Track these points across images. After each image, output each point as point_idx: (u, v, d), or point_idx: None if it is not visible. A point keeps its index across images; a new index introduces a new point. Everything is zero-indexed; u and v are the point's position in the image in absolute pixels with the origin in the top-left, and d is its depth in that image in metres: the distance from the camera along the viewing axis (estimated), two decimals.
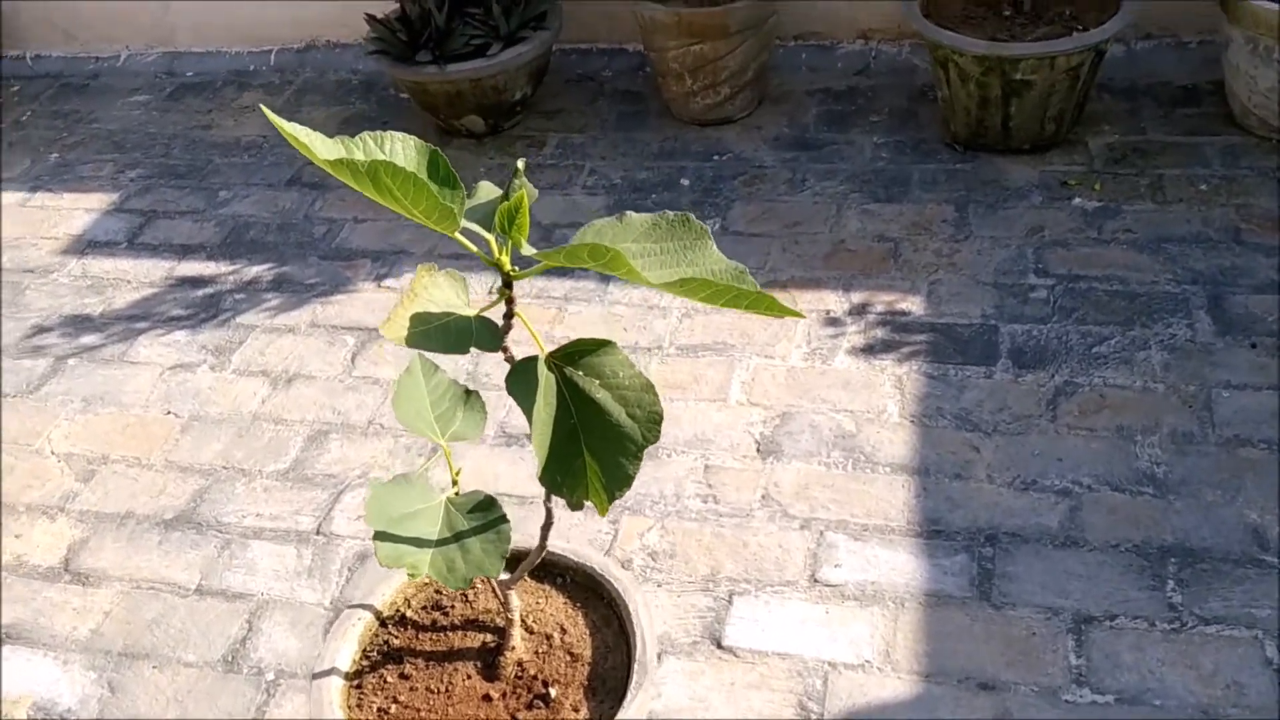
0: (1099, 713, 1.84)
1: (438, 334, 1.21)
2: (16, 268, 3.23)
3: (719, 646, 2.02)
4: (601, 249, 1.08)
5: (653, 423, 1.20)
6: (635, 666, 1.53)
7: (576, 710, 1.53)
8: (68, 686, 2.09)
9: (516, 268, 1.29)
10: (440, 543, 1.42)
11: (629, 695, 1.49)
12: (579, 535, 2.24)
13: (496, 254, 1.23)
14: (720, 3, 3.19)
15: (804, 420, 2.43)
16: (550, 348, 1.27)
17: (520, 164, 1.27)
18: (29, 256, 3.26)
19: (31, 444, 2.63)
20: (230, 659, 2.10)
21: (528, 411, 1.20)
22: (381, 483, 1.45)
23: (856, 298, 2.72)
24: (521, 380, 1.21)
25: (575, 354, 1.22)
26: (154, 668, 2.10)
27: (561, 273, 2.93)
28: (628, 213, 1.21)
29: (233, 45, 4.07)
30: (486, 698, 1.56)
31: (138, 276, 3.13)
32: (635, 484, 2.33)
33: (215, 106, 3.90)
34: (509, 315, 1.29)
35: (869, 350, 2.57)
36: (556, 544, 1.66)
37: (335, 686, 1.56)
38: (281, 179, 3.45)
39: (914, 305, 2.67)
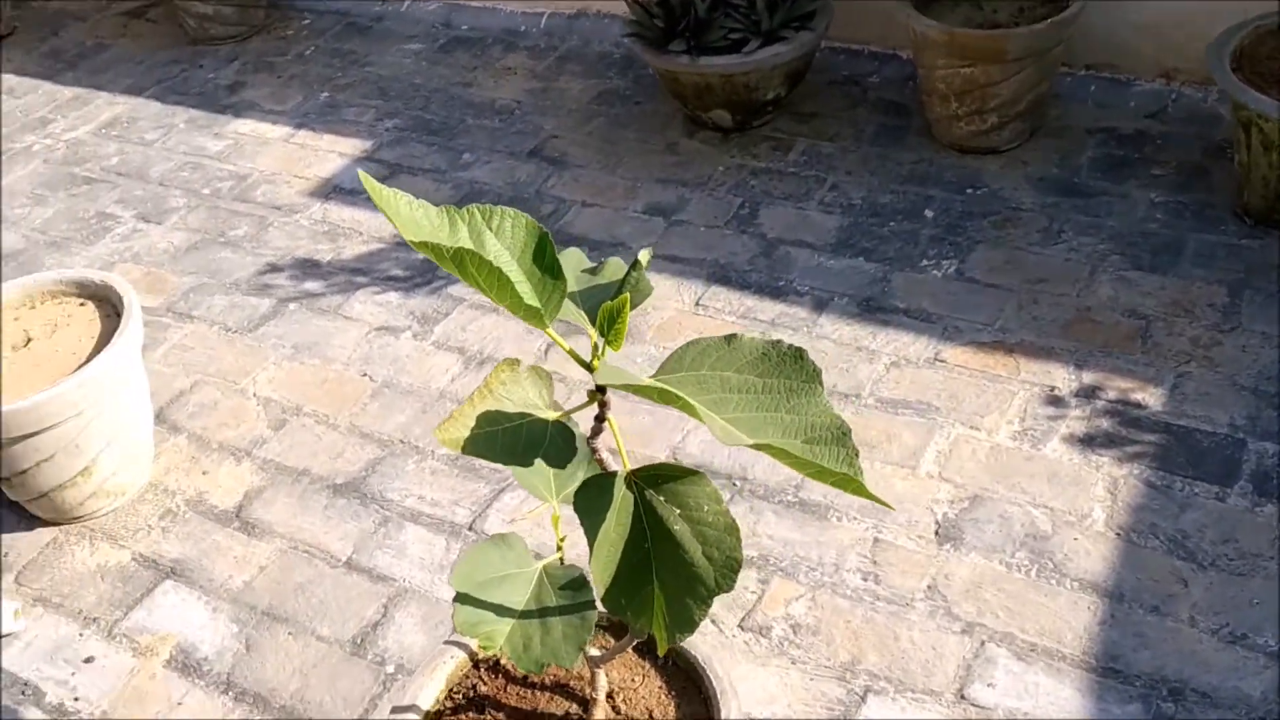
0: None
1: (505, 439, 1.11)
2: (267, 203, 3.38)
3: None
4: (672, 395, 0.95)
5: (730, 569, 1.06)
6: None
7: None
8: (210, 635, 2.16)
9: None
10: (524, 614, 1.34)
11: None
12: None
13: (591, 355, 1.12)
14: (1004, 25, 2.92)
15: (995, 508, 2.20)
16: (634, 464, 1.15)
17: (644, 256, 1.15)
18: (279, 194, 3.40)
19: (238, 383, 2.74)
20: (359, 642, 2.11)
21: (591, 531, 1.09)
22: (480, 543, 1.38)
23: (1088, 378, 2.44)
24: (593, 496, 1.10)
25: (659, 477, 1.10)
26: (289, 634, 2.15)
27: (773, 294, 2.78)
28: (739, 336, 1.08)
29: (509, 3, 4.10)
30: None
31: (369, 230, 3.20)
32: (796, 543, 2.20)
33: (480, 64, 3.94)
34: (600, 419, 1.17)
35: (1088, 442, 2.30)
36: None
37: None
38: (524, 149, 3.45)
39: (1152, 398, 2.37)
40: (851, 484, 0.96)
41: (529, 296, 1.07)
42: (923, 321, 2.64)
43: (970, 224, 2.91)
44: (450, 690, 1.59)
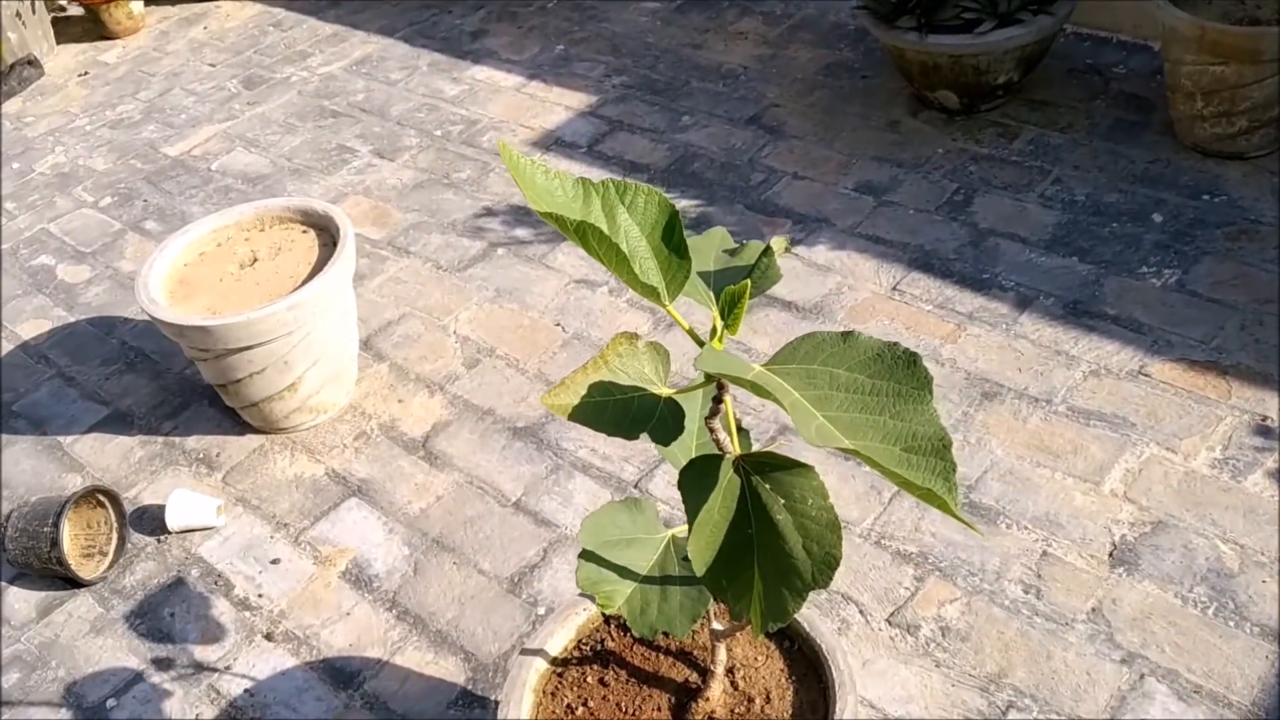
0: None
1: (614, 410, 1.13)
2: (492, 149, 3.50)
3: None
4: (764, 390, 0.95)
5: (827, 566, 1.05)
6: None
7: None
8: (383, 554, 2.29)
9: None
10: (646, 579, 1.37)
11: None
12: (872, 583, 2.09)
13: (711, 338, 1.12)
14: (1264, 22, 2.70)
15: (1179, 537, 2.07)
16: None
17: (778, 242, 1.14)
18: (505, 141, 3.52)
19: (441, 320, 2.87)
20: (516, 581, 2.20)
21: (691, 510, 1.10)
22: (611, 504, 1.41)
23: None
24: (698, 477, 1.11)
25: (767, 465, 1.09)
26: (454, 563, 2.25)
27: (975, 285, 2.69)
28: (855, 333, 1.05)
29: None
30: None
31: None
32: (959, 545, 2.14)
33: (713, 27, 3.94)
34: (718, 400, 1.17)
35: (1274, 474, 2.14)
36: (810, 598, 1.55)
37: (538, 667, 1.58)
38: (743, 116, 3.44)
39: None
40: (937, 500, 0.93)
41: (650, 274, 1.08)
42: (1132, 331, 2.50)
43: (1201, 233, 2.72)
44: (579, 640, 1.64)
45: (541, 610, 2.13)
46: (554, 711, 1.56)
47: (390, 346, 2.81)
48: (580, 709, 1.55)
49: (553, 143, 3.48)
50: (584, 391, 1.12)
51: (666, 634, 1.59)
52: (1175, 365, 2.41)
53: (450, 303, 2.92)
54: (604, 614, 1.66)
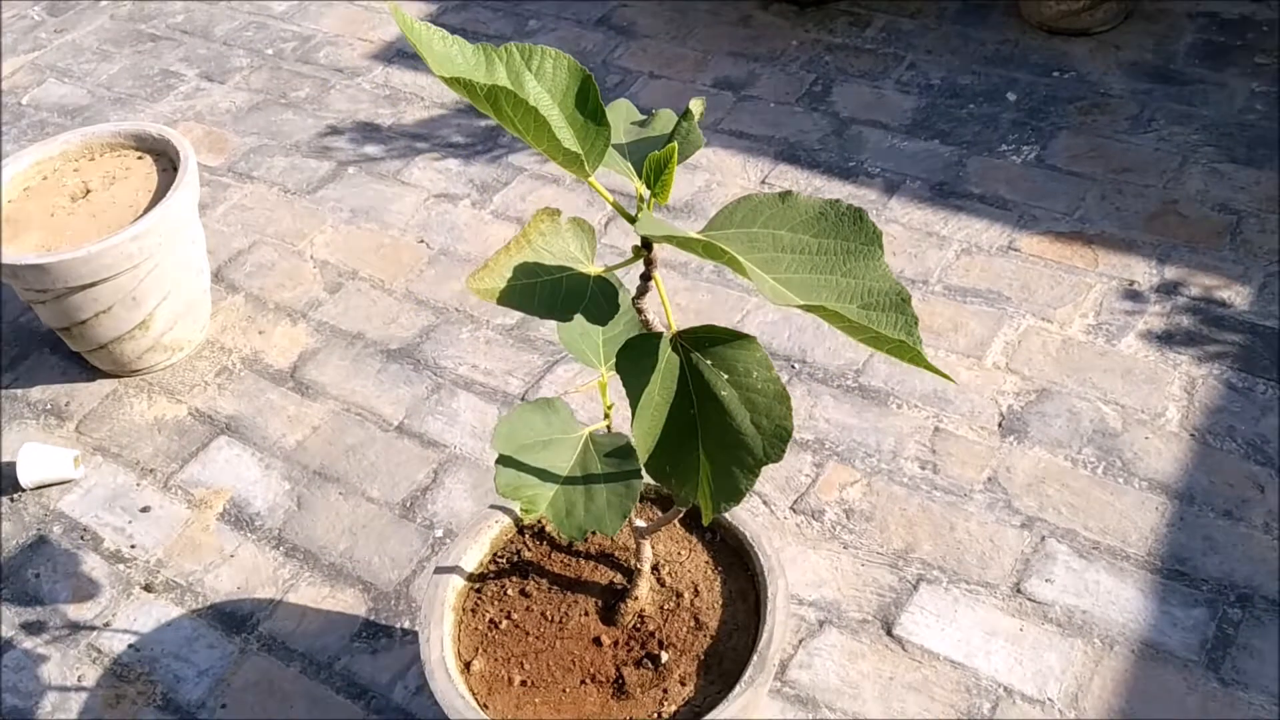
0: None
1: (543, 291, 1.05)
2: (329, 65, 3.31)
3: (888, 633, 1.83)
4: (718, 249, 0.89)
5: (779, 438, 1.01)
6: (755, 658, 1.38)
7: (684, 683, 1.41)
8: (262, 491, 2.17)
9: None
10: (568, 480, 1.31)
11: (738, 688, 1.35)
12: (772, 473, 2.08)
13: (638, 210, 1.05)
14: None
15: (1064, 403, 2.12)
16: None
17: (695, 105, 1.08)
18: (342, 56, 3.34)
19: (295, 245, 2.72)
20: (408, 505, 2.11)
21: (633, 393, 1.04)
22: (523, 405, 1.34)
23: (1171, 273, 2.33)
24: (636, 357, 1.05)
25: (706, 340, 1.04)
26: (340, 494, 2.15)
27: (842, 174, 2.68)
28: (794, 194, 1.00)
29: None
30: (597, 641, 1.46)
31: (431, 95, 3.13)
32: (853, 429, 2.14)
33: None
34: (645, 278, 1.11)
35: (1166, 339, 2.21)
36: None
37: (455, 585, 1.51)
38: (591, 17, 3.34)
39: (1238, 297, 2.26)
40: (909, 352, 0.89)
41: (569, 142, 1.01)
42: (998, 208, 2.54)
43: (1054, 109, 2.77)
44: (494, 554, 1.58)
45: (439, 533, 2.06)
46: (477, 628, 1.49)
47: (243, 276, 2.65)
48: (504, 622, 1.49)
49: (394, 55, 3.32)
50: (509, 274, 1.04)
51: (591, 535, 1.54)
52: (1042, 238, 2.45)
53: (303, 227, 2.76)
54: (518, 525, 1.59)
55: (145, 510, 2.17)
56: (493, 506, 1.59)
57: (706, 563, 1.53)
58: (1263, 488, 1.95)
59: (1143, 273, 2.35)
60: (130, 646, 1.95)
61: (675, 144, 1.01)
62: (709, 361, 1.03)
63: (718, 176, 2.73)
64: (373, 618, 1.94)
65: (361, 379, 2.36)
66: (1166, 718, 1.68)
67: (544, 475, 1.31)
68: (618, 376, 1.34)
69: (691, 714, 1.38)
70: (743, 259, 0.91)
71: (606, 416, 1.40)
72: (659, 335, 1.06)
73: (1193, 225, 2.43)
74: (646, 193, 1.05)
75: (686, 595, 1.49)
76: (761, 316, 2.37)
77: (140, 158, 2.41)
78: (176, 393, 2.39)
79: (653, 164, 1.02)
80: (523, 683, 1.43)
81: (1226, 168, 2.54)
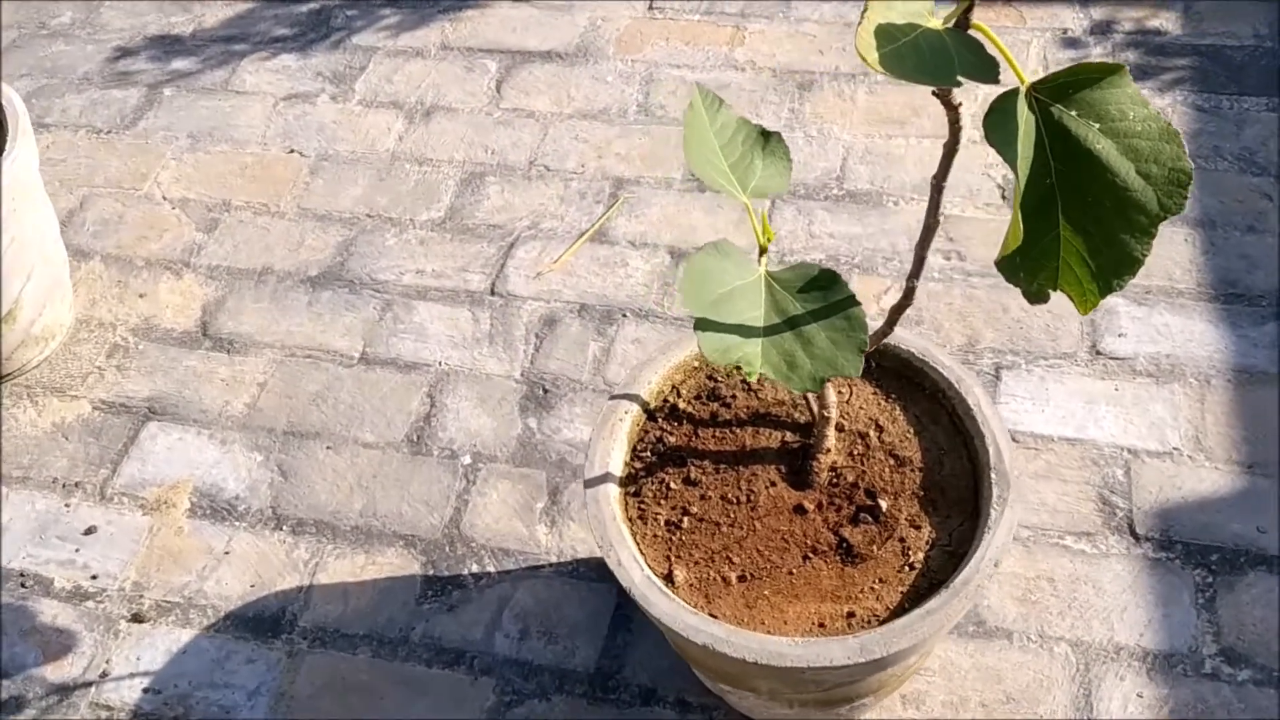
0: None
1: (910, 54, 0.84)
2: None
3: None
4: None
5: (1176, 185, 0.84)
6: (992, 474, 1.23)
7: (916, 525, 1.25)
8: (231, 470, 1.82)
9: None
10: (769, 330, 1.09)
11: (993, 511, 1.20)
12: None
13: None
14: None
15: None
16: (1028, 78, 0.88)
17: None
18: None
19: (139, 188, 2.28)
20: (416, 439, 1.82)
21: (1014, 166, 0.85)
22: (698, 254, 1.11)
23: (1098, 13, 2.28)
24: (1002, 123, 0.85)
25: (1069, 86, 0.85)
26: (328, 448, 1.83)
27: None
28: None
29: None
30: (799, 510, 1.27)
31: None
32: (861, 237, 2.00)
33: None
34: (963, 28, 0.90)
35: None
36: None
37: (612, 495, 1.28)
38: None
39: (1169, 23, 2.24)
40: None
41: None
42: None
43: None
44: (634, 449, 1.35)
45: (467, 459, 1.79)
46: (655, 535, 1.27)
47: (89, 238, 2.20)
48: (685, 520, 1.28)
49: None
50: (874, 41, 0.81)
51: (733, 399, 1.34)
52: None
53: (138, 166, 2.32)
54: (646, 410, 1.37)
55: (90, 531, 1.78)
56: (614, 397, 1.35)
57: (874, 394, 1.36)
58: (1270, 196, 1.95)
59: (1072, 19, 2.28)
60: (148, 691, 1.60)
61: None
62: (1074, 112, 0.84)
63: (599, 12, 2.47)
64: (431, 572, 1.67)
65: (293, 317, 2.02)
66: None
67: (744, 331, 1.09)
68: (755, 201, 1.14)
69: (946, 556, 1.22)
70: None
71: (763, 250, 1.18)
72: (1014, 92, 0.85)
73: None
74: None
75: (871, 434, 1.32)
76: None
77: None
78: (67, 389, 1.97)
79: None
80: (740, 578, 1.23)
81: None
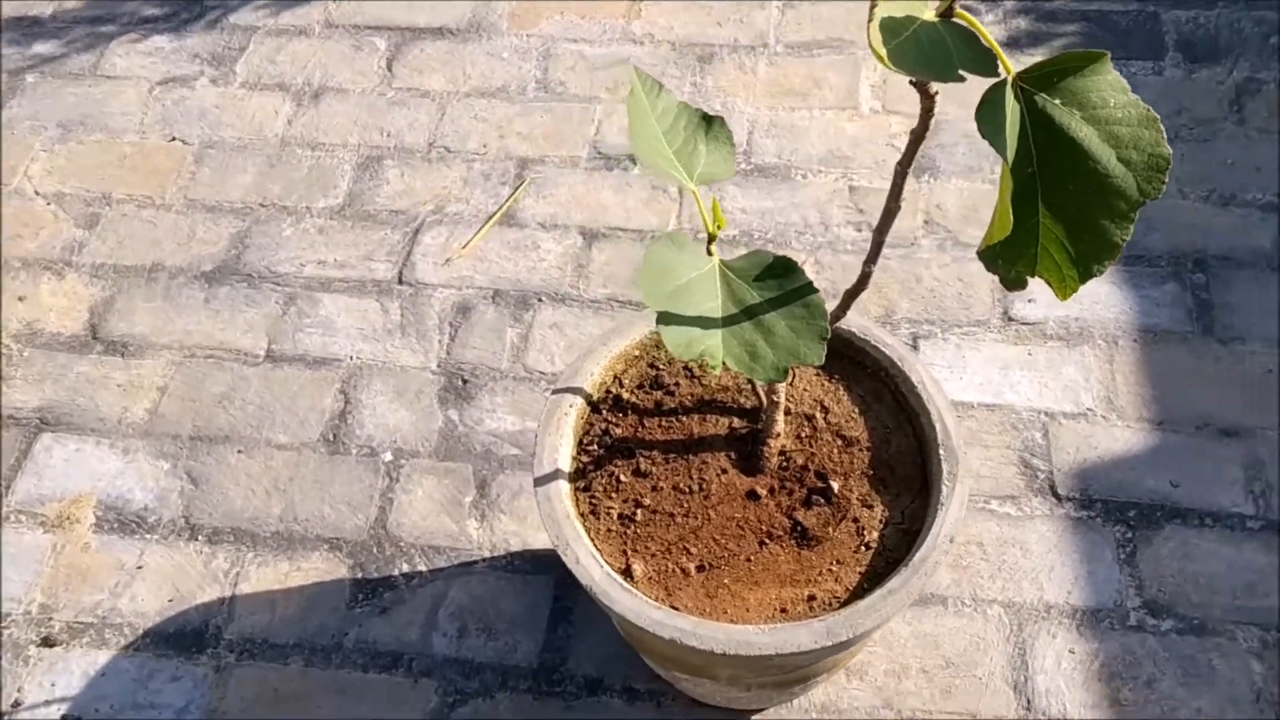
0: None
1: (912, 49, 0.82)
2: None
3: None
4: None
5: (1155, 170, 0.85)
6: (940, 451, 1.25)
7: (869, 505, 1.26)
8: (136, 480, 1.73)
9: None
10: (728, 320, 1.08)
11: (943, 489, 1.22)
12: None
13: None
14: None
15: (955, 130, 2.08)
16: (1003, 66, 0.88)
17: None
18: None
19: (8, 183, 2.14)
20: (332, 438, 1.76)
21: (1005, 155, 0.85)
22: (653, 245, 1.09)
23: None
24: (992, 114, 0.84)
25: (1053, 74, 0.85)
26: (239, 452, 1.76)
27: None
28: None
29: None
30: (752, 495, 1.27)
31: None
32: (773, 211, 2.00)
33: None
34: (948, 15, 0.89)
35: (1014, 44, 2.20)
36: None
37: (564, 492, 1.25)
38: None
39: None
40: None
41: None
42: None
43: None
44: (580, 443, 1.32)
45: (388, 456, 1.73)
46: (609, 530, 1.25)
47: None
48: (638, 513, 1.26)
49: None
50: (881, 35, 0.79)
51: (677, 387, 1.33)
52: None
53: (5, 160, 2.17)
54: (590, 402, 1.34)
55: None
56: (556, 391, 1.32)
57: (816, 376, 1.36)
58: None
59: None
60: (66, 718, 1.52)
61: None
62: (1057, 100, 0.85)
63: None
64: (360, 575, 1.62)
65: (189, 315, 1.92)
66: (1190, 390, 1.73)
67: (703, 322, 1.08)
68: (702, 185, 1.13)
69: (901, 534, 1.23)
70: None
71: (712, 238, 1.17)
72: (1003, 83, 0.85)
73: None
74: None
75: (817, 416, 1.32)
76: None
77: None
78: None
79: None
80: (699, 568, 1.22)
81: None
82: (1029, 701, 1.46)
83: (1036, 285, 1.77)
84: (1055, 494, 1.64)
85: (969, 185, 2.00)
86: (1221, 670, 1.47)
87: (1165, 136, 0.85)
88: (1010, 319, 1.83)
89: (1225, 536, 1.58)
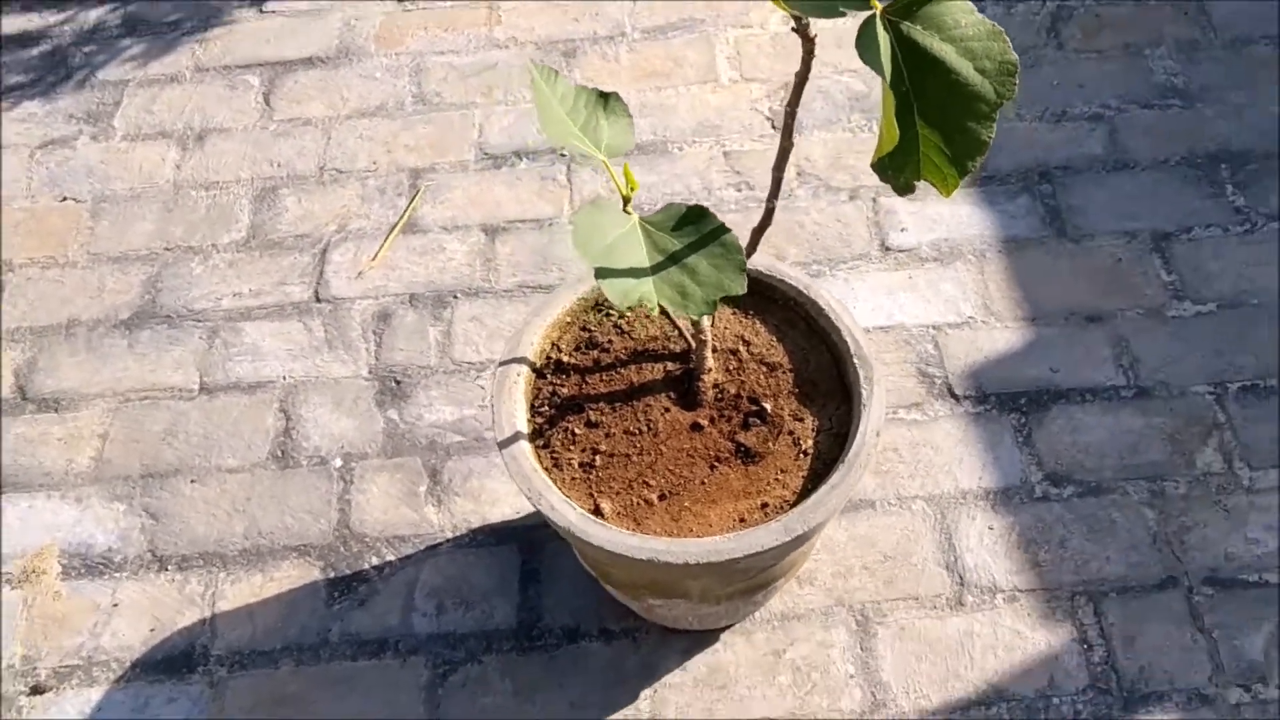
0: (1209, 322, 1.86)
1: None
2: None
3: None
4: None
5: (1006, 74, 1.01)
6: (855, 361, 1.40)
7: (800, 419, 1.40)
8: (95, 524, 1.78)
9: None
10: (656, 268, 1.21)
11: (863, 392, 1.37)
12: None
13: None
14: None
15: (810, 88, 2.25)
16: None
17: None
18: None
19: None
20: (281, 454, 1.84)
21: (884, 77, 0.99)
22: (580, 212, 1.21)
23: None
24: (868, 44, 0.99)
25: (912, 5, 1.00)
26: (192, 482, 1.82)
27: None
28: None
29: None
30: (696, 427, 1.41)
31: None
32: (656, 185, 2.14)
33: None
34: None
35: None
36: None
37: (526, 450, 1.37)
38: None
39: None
40: None
41: None
42: None
43: None
44: (533, 406, 1.44)
45: (338, 462, 1.82)
46: (573, 479, 1.37)
47: None
48: (597, 458, 1.38)
49: None
50: None
51: (614, 340, 1.46)
52: None
53: None
54: (533, 367, 1.46)
55: None
56: (502, 363, 1.44)
57: (733, 315, 1.51)
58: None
59: None
60: None
61: None
62: (919, 26, 1.00)
63: (350, 10, 2.49)
64: (333, 574, 1.71)
65: (116, 363, 1.97)
66: (1054, 286, 1.93)
67: (635, 273, 1.21)
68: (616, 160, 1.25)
69: (832, 439, 1.38)
70: None
71: (627, 199, 1.30)
72: (874, 16, 1.00)
73: None
74: None
75: (741, 349, 1.47)
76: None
77: None
78: None
79: None
80: (661, 498, 1.35)
81: None
82: (961, 577, 1.63)
83: (906, 216, 1.95)
84: (953, 395, 1.81)
85: (831, 136, 2.18)
86: (1120, 522, 1.67)
87: (1011, 46, 1.01)
88: (888, 249, 2.01)
89: (1105, 407, 1.78)
